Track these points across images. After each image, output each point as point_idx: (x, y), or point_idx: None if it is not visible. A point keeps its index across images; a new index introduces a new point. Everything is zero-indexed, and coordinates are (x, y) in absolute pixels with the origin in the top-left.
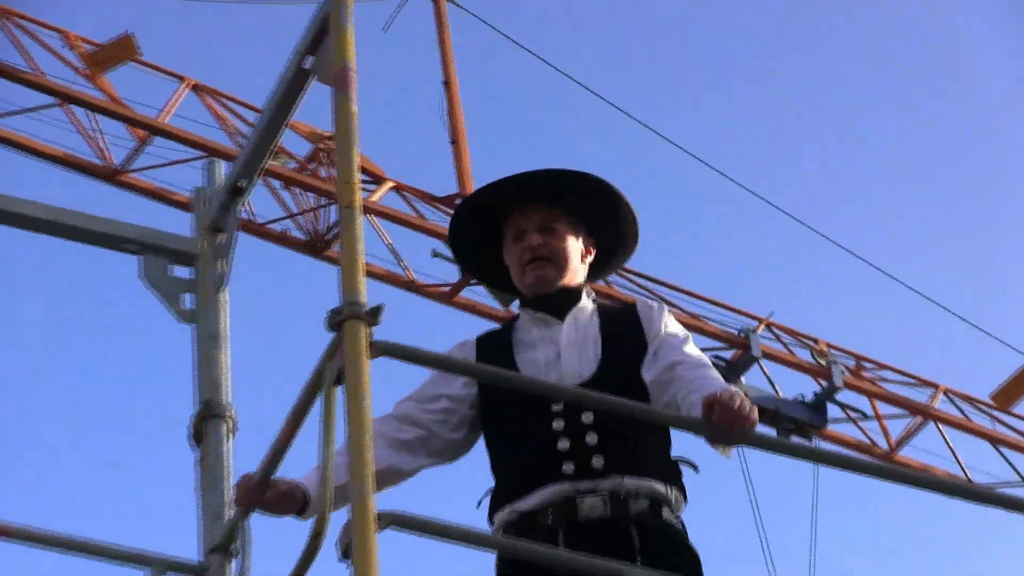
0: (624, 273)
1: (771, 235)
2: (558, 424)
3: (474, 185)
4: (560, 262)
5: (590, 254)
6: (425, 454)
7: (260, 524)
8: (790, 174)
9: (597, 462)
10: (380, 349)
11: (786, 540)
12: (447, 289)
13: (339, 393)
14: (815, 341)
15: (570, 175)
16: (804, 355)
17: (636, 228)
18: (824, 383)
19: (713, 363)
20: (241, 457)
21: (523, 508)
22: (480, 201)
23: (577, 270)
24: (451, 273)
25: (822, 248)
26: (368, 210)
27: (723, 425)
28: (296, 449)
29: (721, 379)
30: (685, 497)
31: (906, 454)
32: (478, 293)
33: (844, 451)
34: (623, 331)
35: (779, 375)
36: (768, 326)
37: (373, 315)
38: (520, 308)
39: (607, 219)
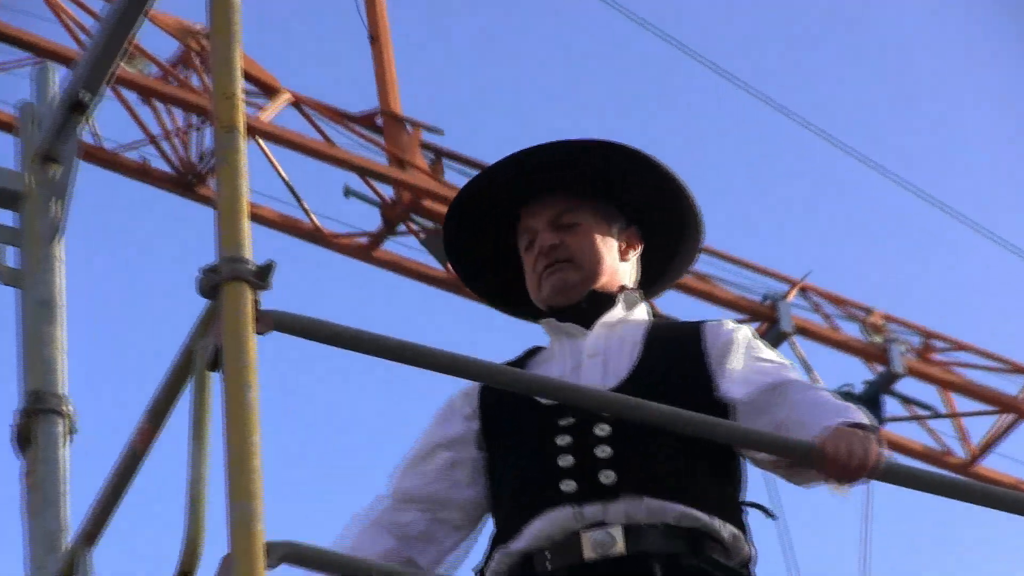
0: None
1: (808, 167)
2: (563, 440)
3: (401, 102)
4: (585, 262)
5: (634, 249)
6: (443, 534)
7: (111, 555)
8: (827, 87)
9: (606, 477)
10: (271, 321)
11: None
12: (364, 241)
13: (215, 381)
14: (867, 311)
15: (595, 147)
16: (852, 330)
17: (696, 214)
18: (880, 368)
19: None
20: (82, 467)
21: (516, 548)
22: (477, 197)
23: (614, 271)
24: (369, 218)
25: (875, 185)
26: (257, 133)
27: (838, 475)
28: (157, 457)
29: (841, 403)
30: (749, 541)
31: (990, 464)
32: (407, 246)
33: (912, 462)
34: (675, 345)
35: (818, 357)
36: (803, 291)
37: (261, 276)
38: (541, 322)
39: (656, 202)
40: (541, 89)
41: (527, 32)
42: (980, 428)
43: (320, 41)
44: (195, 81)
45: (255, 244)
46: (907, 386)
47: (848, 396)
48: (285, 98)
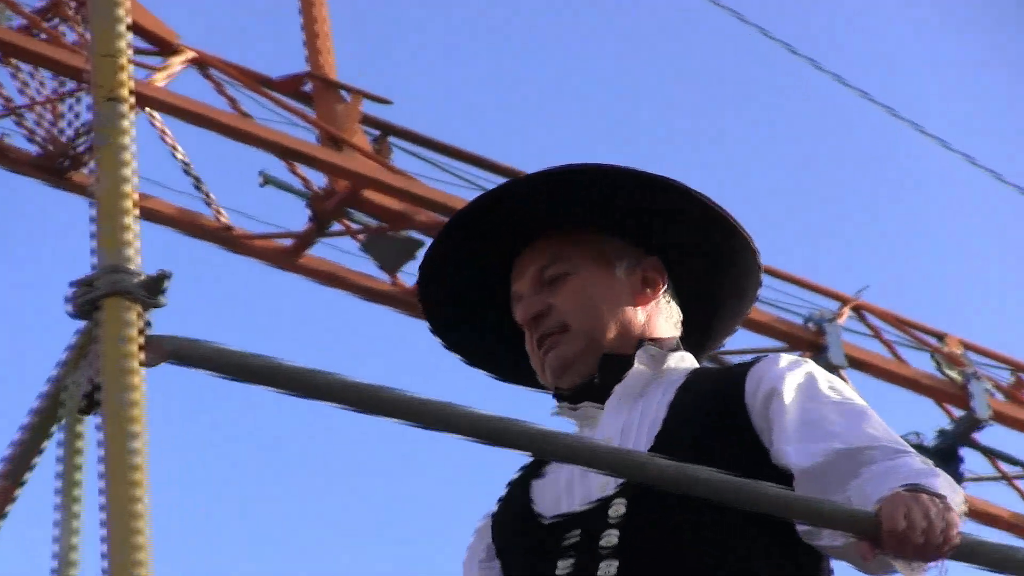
0: None
1: (865, 152)
2: (565, 562)
3: (334, 62)
4: (582, 324)
5: (655, 287)
6: None
7: None
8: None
9: None
10: (163, 350)
11: None
12: (287, 243)
13: (91, 427)
14: (941, 338)
15: (589, 174)
16: (921, 362)
17: (745, 238)
18: (957, 412)
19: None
20: None
21: None
22: (451, 256)
23: (628, 322)
24: (294, 215)
25: (954, 174)
26: (148, 102)
27: (897, 552)
28: (14, 526)
29: (923, 466)
30: None
31: None
32: (343, 249)
33: (998, 535)
34: (711, 402)
35: (876, 396)
36: (858, 311)
37: (151, 290)
38: (553, 414)
39: (682, 227)
40: (507, 52)
41: None
42: None
43: None
44: (69, 35)
45: (145, 248)
46: (993, 435)
47: (916, 448)
48: (186, 57)
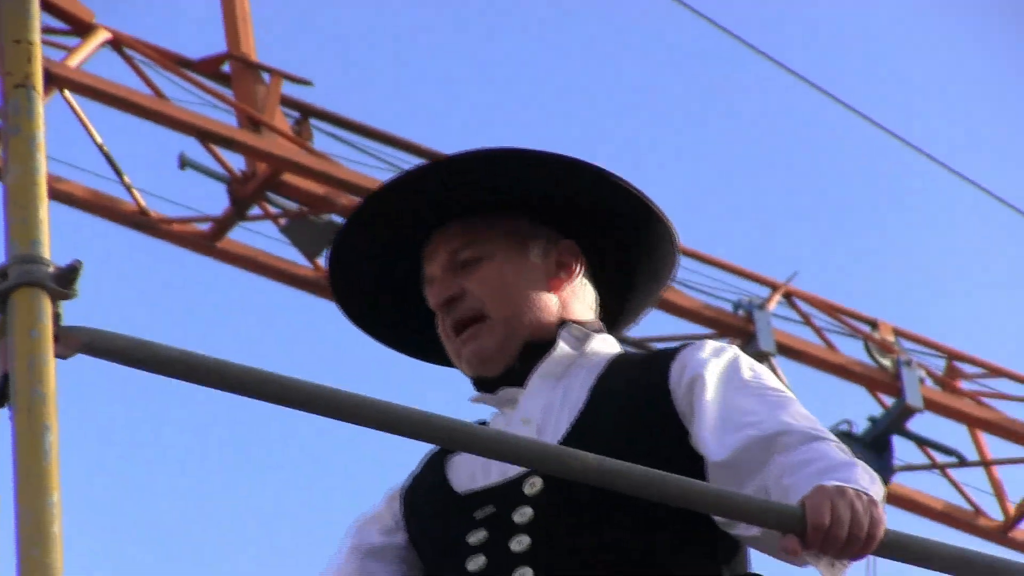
0: None
1: (794, 133)
2: (477, 537)
3: (254, 43)
4: (499, 310)
5: (570, 269)
6: None
7: None
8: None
9: None
10: (76, 342)
11: None
12: (206, 227)
13: (2, 420)
14: (873, 324)
15: (491, 157)
16: (853, 349)
17: (661, 218)
18: (889, 400)
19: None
20: None
21: None
22: (361, 239)
23: (544, 306)
24: (213, 199)
25: (882, 153)
26: (62, 83)
27: (822, 548)
28: None
29: (843, 457)
30: None
31: None
32: (262, 233)
33: (931, 527)
34: (635, 387)
35: (806, 385)
36: (788, 297)
37: (64, 280)
38: (472, 400)
39: (596, 206)
40: (429, 30)
41: None
42: (1021, 480)
43: None
44: None
45: (59, 233)
46: (925, 424)
47: (847, 437)
48: (101, 37)
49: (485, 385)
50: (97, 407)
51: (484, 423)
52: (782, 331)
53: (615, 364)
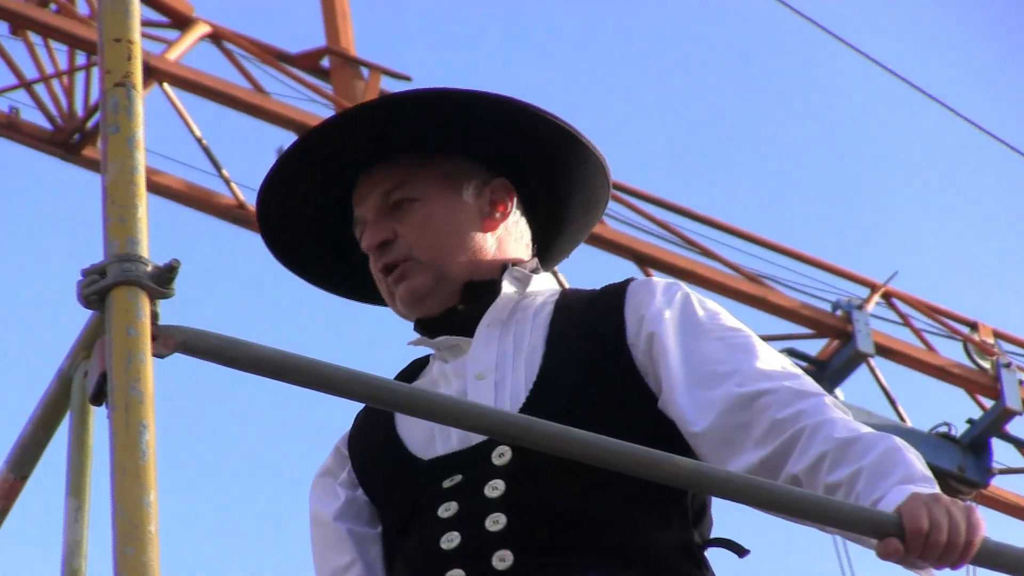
0: (617, 195)
1: (895, 132)
2: (447, 509)
3: (354, 38)
4: (430, 253)
5: (503, 208)
6: None
7: None
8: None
9: (501, 561)
10: (174, 341)
11: None
12: None
13: (100, 418)
14: (972, 326)
15: (418, 99)
16: (952, 351)
17: (592, 150)
18: (988, 402)
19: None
20: None
21: None
22: (296, 177)
23: (479, 247)
24: None
25: (987, 154)
26: (162, 76)
27: (920, 555)
28: (21, 519)
29: (875, 435)
30: None
31: None
32: None
33: None
34: (592, 334)
35: (906, 386)
36: (887, 297)
37: (162, 280)
38: (412, 344)
39: (525, 145)
40: (530, 25)
41: None
42: None
43: None
44: (83, 8)
45: (157, 224)
46: None
47: (945, 439)
48: (201, 31)
49: (427, 328)
50: (195, 406)
51: (420, 365)
52: (881, 332)
53: (562, 306)
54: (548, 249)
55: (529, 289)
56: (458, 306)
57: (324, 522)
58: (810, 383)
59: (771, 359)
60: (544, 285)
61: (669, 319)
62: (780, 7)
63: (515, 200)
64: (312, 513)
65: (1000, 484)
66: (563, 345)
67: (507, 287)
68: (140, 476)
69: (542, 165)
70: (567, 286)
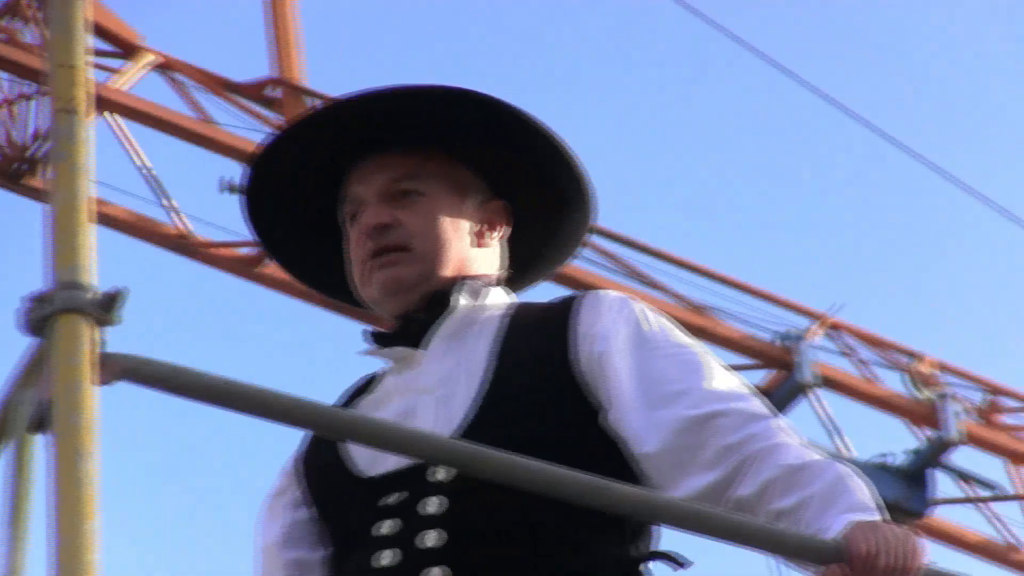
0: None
1: (837, 165)
2: (386, 527)
3: (301, 68)
4: (427, 251)
5: (496, 230)
6: None
7: None
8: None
9: None
10: (118, 368)
11: None
12: (247, 251)
13: (41, 446)
14: (914, 357)
15: (449, 95)
16: (893, 382)
17: (585, 185)
18: (929, 432)
19: None
20: None
21: None
22: (290, 148)
23: (465, 260)
24: None
25: (929, 189)
26: (109, 106)
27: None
28: None
29: (823, 460)
30: None
31: None
32: None
33: (968, 560)
34: (536, 355)
35: (848, 416)
36: (831, 329)
37: (107, 307)
38: (361, 353)
39: (529, 172)
40: (480, 56)
41: None
42: None
43: None
44: (27, 36)
45: (102, 256)
46: (964, 457)
47: (885, 469)
48: (149, 60)
49: (378, 338)
50: (138, 433)
51: (373, 378)
52: (824, 363)
53: (514, 320)
54: (510, 281)
55: (483, 302)
56: (415, 312)
57: (268, 550)
58: (761, 404)
59: (722, 378)
60: (499, 299)
61: (618, 335)
62: (710, 28)
63: (507, 227)
64: (257, 539)
65: (940, 515)
66: (510, 360)
67: (461, 299)
68: (82, 504)
69: (543, 208)
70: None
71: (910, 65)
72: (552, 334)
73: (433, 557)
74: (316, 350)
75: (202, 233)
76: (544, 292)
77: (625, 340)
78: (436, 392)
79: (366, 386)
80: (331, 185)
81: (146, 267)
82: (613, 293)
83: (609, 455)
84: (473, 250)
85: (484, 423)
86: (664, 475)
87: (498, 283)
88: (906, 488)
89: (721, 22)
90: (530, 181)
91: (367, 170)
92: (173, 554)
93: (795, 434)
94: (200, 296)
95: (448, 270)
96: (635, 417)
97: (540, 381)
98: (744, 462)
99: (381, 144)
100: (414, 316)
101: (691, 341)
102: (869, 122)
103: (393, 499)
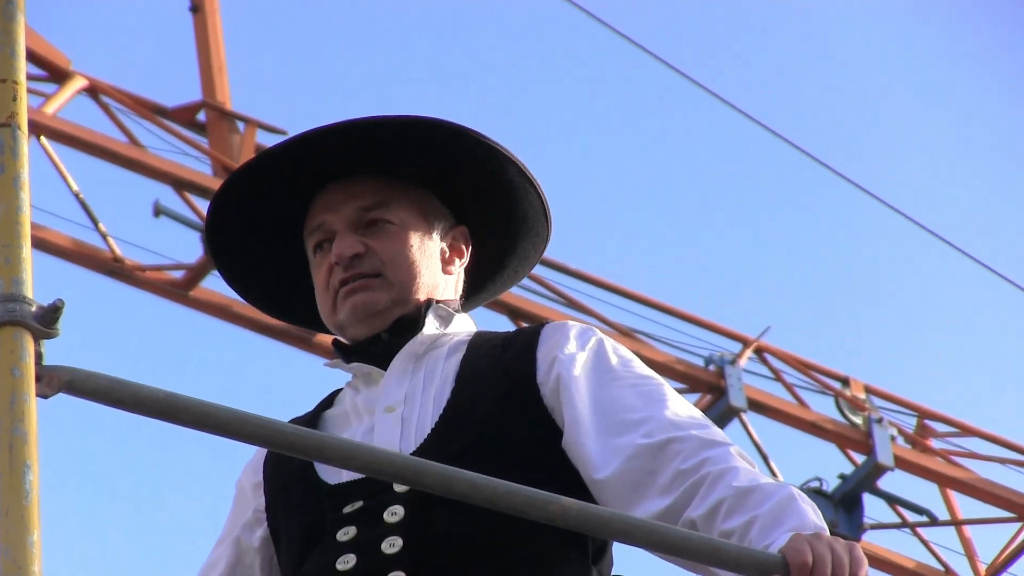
0: None
1: (767, 190)
2: (346, 533)
3: (229, 92)
4: (399, 277)
5: (460, 256)
6: None
7: None
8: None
9: None
10: (58, 381)
11: None
12: (180, 275)
13: None
14: (844, 381)
15: (415, 125)
16: (824, 406)
17: (544, 209)
18: (860, 458)
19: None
20: None
21: None
22: (255, 179)
23: (434, 287)
24: (187, 247)
25: (855, 211)
26: (39, 129)
27: None
28: None
29: (772, 484)
30: None
31: None
32: None
33: None
34: (501, 373)
35: (777, 441)
36: (759, 352)
37: (47, 320)
38: (328, 365)
39: (489, 197)
40: (411, 82)
41: (393, 11)
42: (991, 540)
43: (126, 11)
44: None
45: (41, 279)
46: (896, 482)
47: (817, 494)
48: (78, 84)
49: (344, 352)
50: (80, 446)
51: (336, 393)
52: (753, 387)
53: (476, 345)
54: (480, 289)
55: (450, 328)
56: (383, 335)
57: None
58: (718, 433)
59: (681, 408)
60: (463, 326)
61: (581, 362)
62: (626, 43)
63: (469, 252)
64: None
65: (872, 539)
66: (473, 381)
67: (429, 324)
68: (24, 517)
69: (502, 230)
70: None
71: (829, 82)
72: (518, 358)
73: (392, 563)
74: (249, 373)
75: (134, 257)
76: (476, 316)
77: (586, 368)
78: (398, 411)
79: (331, 400)
80: (294, 216)
81: (80, 291)
82: (580, 324)
83: (572, 478)
84: (440, 276)
85: (445, 440)
86: (620, 500)
87: (460, 309)
88: (838, 513)
89: (640, 40)
90: (488, 206)
91: (334, 199)
92: (117, 567)
93: (749, 460)
94: (132, 320)
95: (419, 295)
96: (592, 443)
97: (504, 401)
98: (697, 484)
99: (345, 173)
100: (380, 336)
101: (652, 373)
102: (793, 142)
103: (354, 507)
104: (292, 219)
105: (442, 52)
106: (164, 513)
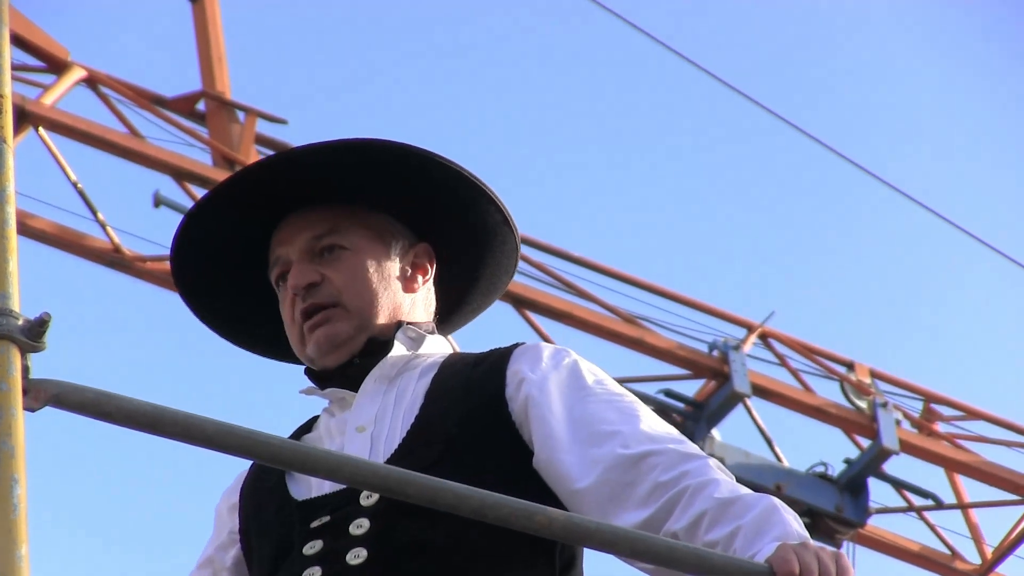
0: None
1: (773, 172)
2: (312, 547)
3: (231, 83)
4: (357, 303)
5: (424, 273)
6: None
7: None
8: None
9: None
10: (45, 394)
11: None
12: None
13: None
14: (848, 366)
15: (356, 149)
16: (829, 391)
17: (504, 215)
18: (866, 442)
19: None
20: None
21: None
22: (215, 217)
23: (397, 306)
24: None
25: (863, 195)
26: (37, 120)
27: None
28: None
29: (753, 495)
30: None
31: (1011, 571)
32: None
33: (908, 570)
34: (471, 392)
35: (782, 426)
36: (764, 338)
37: (33, 333)
38: (302, 392)
39: (454, 212)
40: (406, 72)
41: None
42: (998, 523)
43: (125, 1)
44: None
45: (31, 268)
46: (901, 466)
47: (823, 479)
48: (77, 75)
49: (317, 377)
50: (68, 459)
51: (316, 418)
52: (758, 372)
53: (448, 364)
54: (442, 321)
55: (422, 349)
56: (356, 359)
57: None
58: (694, 447)
59: (657, 424)
60: (437, 347)
61: (554, 381)
62: (636, 33)
63: (434, 268)
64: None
65: (877, 523)
66: (441, 398)
67: (398, 346)
68: (12, 531)
69: (467, 241)
70: (458, 349)
71: (832, 64)
72: (488, 377)
73: (356, 574)
74: (247, 363)
75: (133, 247)
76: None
77: (562, 386)
78: (368, 430)
79: (309, 426)
80: (260, 249)
81: (76, 282)
82: (552, 345)
83: (538, 494)
84: (403, 295)
85: (413, 454)
86: (598, 511)
87: (433, 331)
88: (843, 498)
89: (644, 26)
90: (450, 220)
91: (289, 231)
92: None
93: (727, 473)
94: (131, 311)
95: (382, 318)
96: (568, 455)
97: (472, 418)
98: (677, 497)
99: (298, 203)
100: (353, 361)
101: (625, 391)
102: (798, 125)
103: (321, 521)
104: (263, 254)
105: (443, 40)
106: (153, 526)
